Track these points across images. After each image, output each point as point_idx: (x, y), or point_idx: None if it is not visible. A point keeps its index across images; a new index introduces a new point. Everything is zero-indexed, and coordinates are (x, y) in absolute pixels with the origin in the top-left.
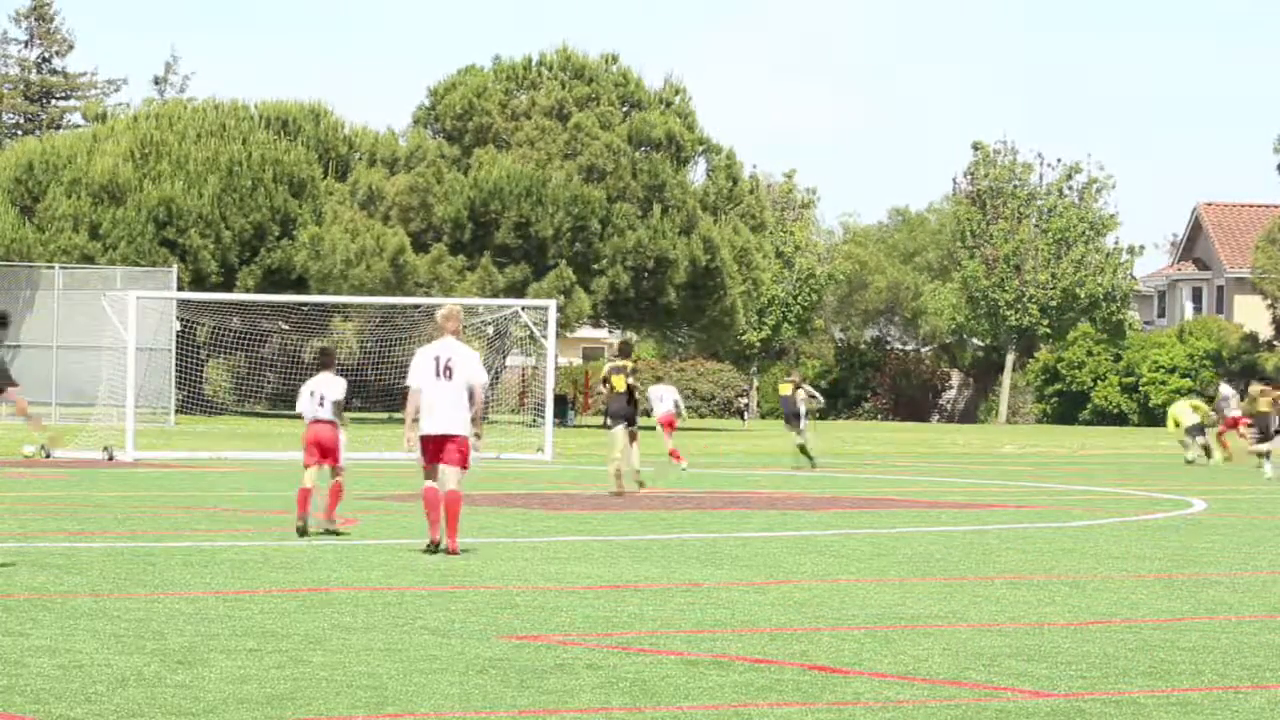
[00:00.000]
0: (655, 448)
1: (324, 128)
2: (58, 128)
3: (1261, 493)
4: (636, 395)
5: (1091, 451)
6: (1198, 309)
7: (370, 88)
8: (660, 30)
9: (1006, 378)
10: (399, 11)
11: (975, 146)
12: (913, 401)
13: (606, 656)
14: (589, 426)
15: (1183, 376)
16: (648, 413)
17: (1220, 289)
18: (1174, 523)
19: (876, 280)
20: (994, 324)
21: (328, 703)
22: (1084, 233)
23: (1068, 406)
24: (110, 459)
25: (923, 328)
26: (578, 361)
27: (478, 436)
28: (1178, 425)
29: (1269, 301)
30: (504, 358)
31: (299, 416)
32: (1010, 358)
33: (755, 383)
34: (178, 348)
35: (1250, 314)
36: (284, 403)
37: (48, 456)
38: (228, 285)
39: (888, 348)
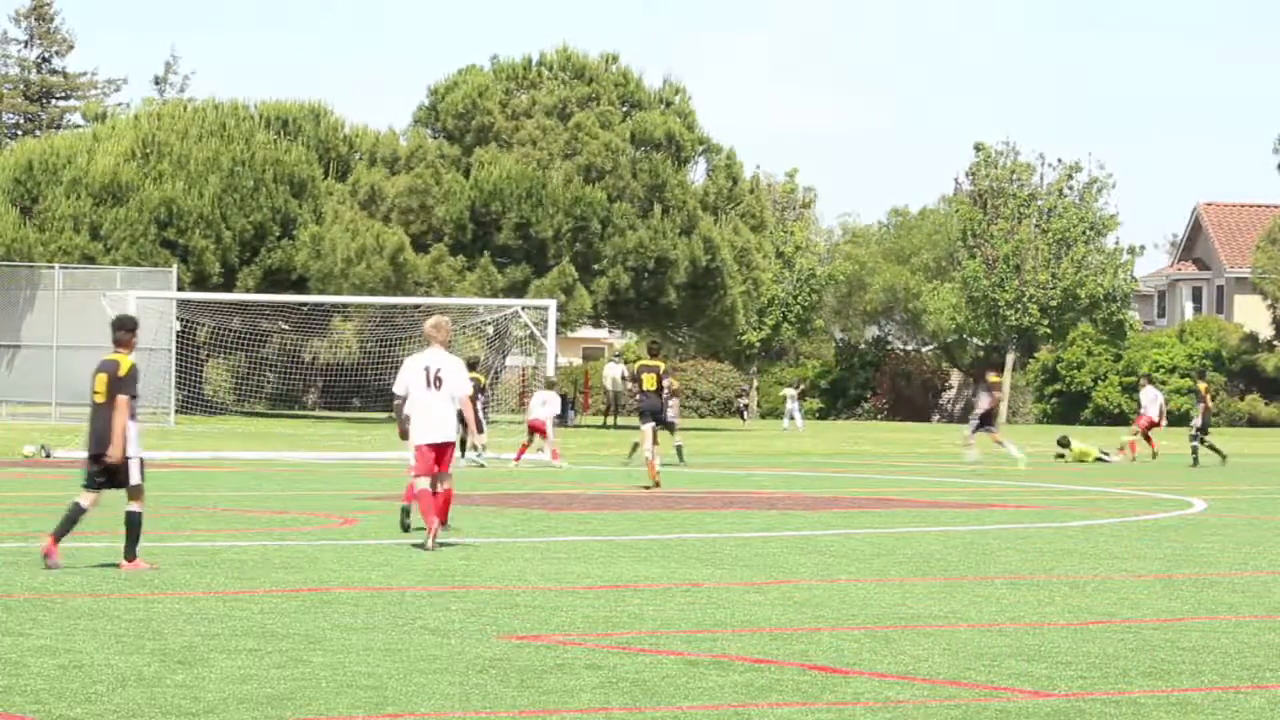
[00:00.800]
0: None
1: (324, 128)
2: (58, 128)
3: (1261, 492)
4: (665, 394)
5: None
6: (1198, 309)
7: (370, 88)
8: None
9: (1007, 378)
10: (399, 11)
11: (977, 147)
12: (913, 401)
13: (606, 656)
14: (589, 427)
15: (1183, 376)
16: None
17: (1220, 289)
18: (1174, 523)
19: (874, 282)
20: (994, 324)
21: (328, 703)
22: (1084, 233)
23: (1068, 406)
24: None
25: (924, 328)
26: (578, 361)
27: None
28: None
29: (1269, 301)
30: (504, 358)
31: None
32: (1010, 358)
33: (755, 383)
34: (178, 348)
35: (1250, 314)
36: (284, 403)
37: (47, 456)
38: (228, 285)
39: (888, 348)
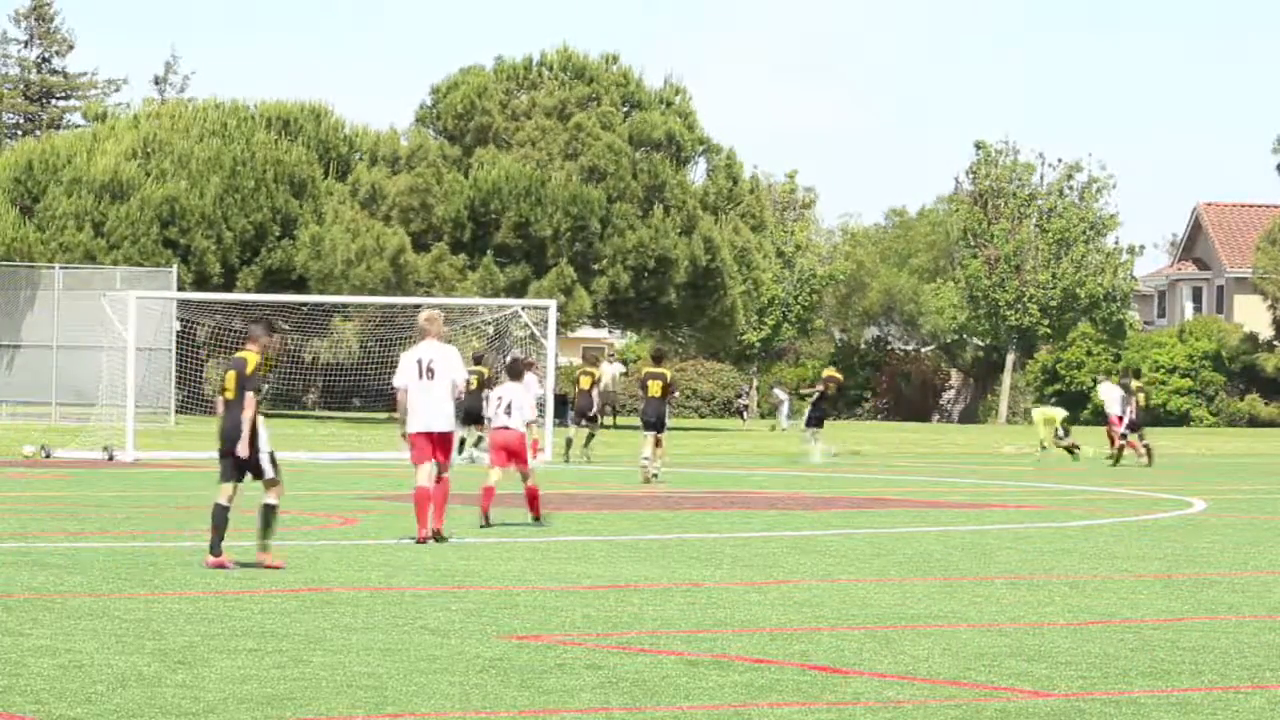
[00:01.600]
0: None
1: (325, 127)
2: (58, 128)
3: (1261, 492)
4: (672, 400)
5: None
6: (1198, 309)
7: (371, 87)
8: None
9: (1007, 377)
10: (399, 11)
11: (978, 146)
12: (913, 401)
13: (606, 656)
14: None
15: (1183, 376)
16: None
17: (1220, 289)
18: (1174, 523)
19: (873, 283)
20: (994, 324)
21: (328, 703)
22: (1084, 233)
23: (1068, 407)
24: (110, 459)
25: (924, 327)
26: (578, 361)
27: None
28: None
29: (1269, 301)
30: (504, 358)
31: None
32: (1010, 358)
33: (755, 383)
34: (178, 348)
35: (1250, 314)
36: (284, 402)
37: (47, 456)
38: (228, 285)
39: (888, 348)
